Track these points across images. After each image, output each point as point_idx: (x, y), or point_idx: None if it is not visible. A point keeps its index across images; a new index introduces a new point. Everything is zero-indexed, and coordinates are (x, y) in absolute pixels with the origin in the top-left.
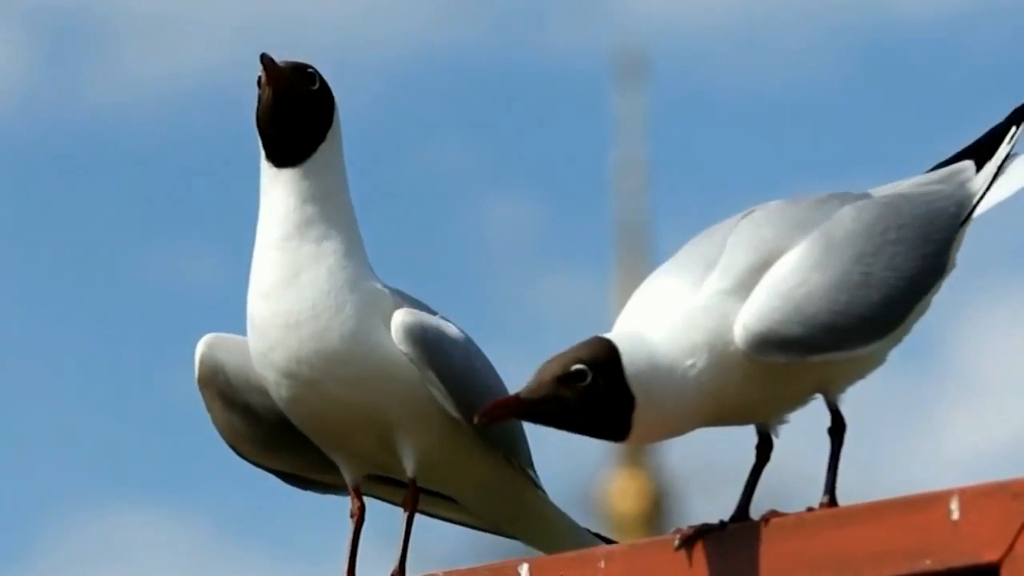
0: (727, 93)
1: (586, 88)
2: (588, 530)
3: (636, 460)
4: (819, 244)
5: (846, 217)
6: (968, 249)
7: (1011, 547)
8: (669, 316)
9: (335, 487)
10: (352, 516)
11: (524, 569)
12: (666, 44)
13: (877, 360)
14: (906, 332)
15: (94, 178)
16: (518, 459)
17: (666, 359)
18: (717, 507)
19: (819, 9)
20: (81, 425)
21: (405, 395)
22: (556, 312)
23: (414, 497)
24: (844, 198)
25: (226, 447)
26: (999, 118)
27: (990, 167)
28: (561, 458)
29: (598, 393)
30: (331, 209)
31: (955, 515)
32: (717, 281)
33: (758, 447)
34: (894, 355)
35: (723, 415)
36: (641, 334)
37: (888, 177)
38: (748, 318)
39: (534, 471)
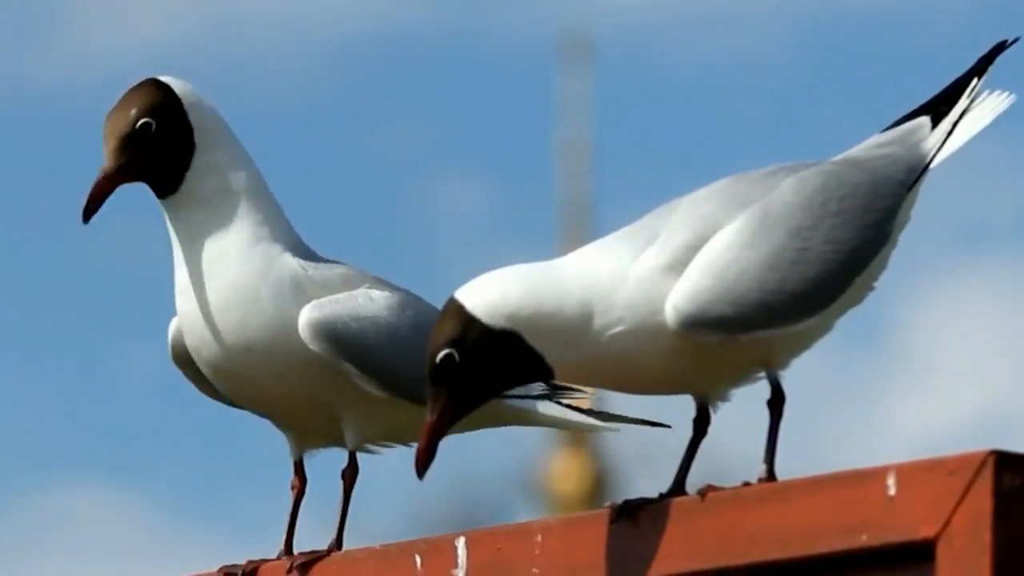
0: (673, 73)
1: (531, 68)
2: (571, 407)
3: (577, 441)
4: (755, 219)
5: (786, 190)
6: (922, 233)
7: (947, 523)
8: (599, 273)
9: None
10: (292, 488)
11: (460, 543)
12: (612, 24)
13: (821, 330)
14: (856, 301)
15: (54, 152)
16: None
17: (575, 304)
18: (660, 486)
19: None
20: (31, 404)
21: (340, 379)
22: None
23: (353, 470)
24: (794, 168)
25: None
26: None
27: (945, 124)
28: (502, 441)
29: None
30: (223, 208)
31: (892, 491)
32: (654, 257)
33: (695, 420)
34: (847, 338)
35: (651, 384)
36: (557, 278)
37: (841, 153)
38: (679, 298)
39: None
